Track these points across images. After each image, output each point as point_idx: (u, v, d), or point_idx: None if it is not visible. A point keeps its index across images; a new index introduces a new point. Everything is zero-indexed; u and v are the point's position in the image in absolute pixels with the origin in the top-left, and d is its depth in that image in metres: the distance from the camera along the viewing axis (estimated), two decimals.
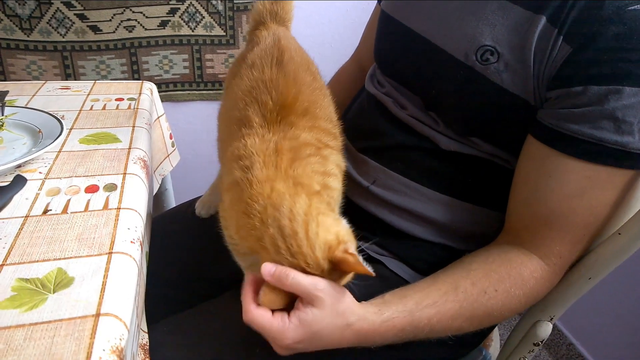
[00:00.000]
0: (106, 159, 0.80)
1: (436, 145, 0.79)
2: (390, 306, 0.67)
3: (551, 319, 0.83)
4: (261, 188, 0.59)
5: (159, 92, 1.81)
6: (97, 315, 0.49)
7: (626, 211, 0.71)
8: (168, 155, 1.26)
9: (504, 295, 0.70)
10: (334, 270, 0.58)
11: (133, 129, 0.92)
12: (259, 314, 0.60)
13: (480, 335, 0.93)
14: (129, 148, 0.84)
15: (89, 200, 0.69)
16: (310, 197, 0.59)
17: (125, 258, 0.58)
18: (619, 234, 0.72)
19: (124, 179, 0.75)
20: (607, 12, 0.62)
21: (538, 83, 0.67)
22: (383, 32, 0.91)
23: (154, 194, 1.14)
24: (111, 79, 1.73)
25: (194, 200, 1.05)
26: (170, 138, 1.28)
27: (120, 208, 0.67)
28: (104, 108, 1.01)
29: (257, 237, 0.59)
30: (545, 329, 0.84)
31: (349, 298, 0.64)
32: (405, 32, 0.82)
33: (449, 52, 0.75)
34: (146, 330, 0.73)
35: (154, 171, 1.17)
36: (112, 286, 0.54)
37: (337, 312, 0.61)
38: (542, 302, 0.84)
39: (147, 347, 0.70)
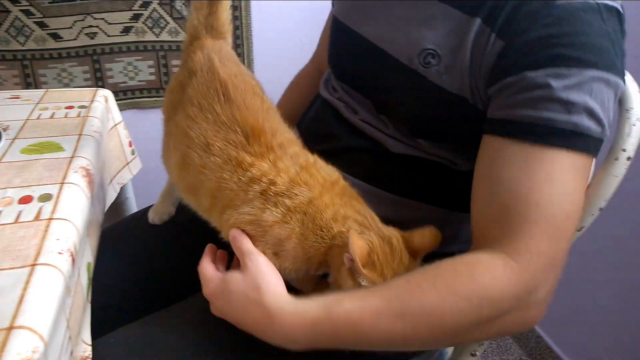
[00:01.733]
0: (46, 169, 0.79)
1: (386, 149, 0.81)
2: (308, 300, 0.63)
3: None
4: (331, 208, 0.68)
5: (125, 99, 1.80)
6: (10, 328, 0.49)
7: None
8: (128, 164, 1.25)
9: (445, 291, 0.60)
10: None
11: (79, 138, 0.91)
12: (206, 262, 0.73)
13: None
14: (72, 157, 0.84)
15: (20, 211, 0.68)
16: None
17: (49, 269, 0.58)
18: None
19: (61, 188, 0.74)
20: (536, 7, 0.64)
21: (476, 81, 0.69)
22: (335, 37, 0.94)
23: (110, 202, 1.13)
24: (74, 87, 1.72)
25: (148, 209, 1.05)
26: (130, 146, 1.27)
27: (52, 219, 0.67)
28: (52, 117, 1.00)
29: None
30: None
31: (276, 280, 0.65)
32: (355, 37, 0.84)
33: (394, 56, 0.77)
34: (89, 342, 0.72)
35: (112, 180, 1.16)
36: (31, 298, 0.53)
37: (255, 285, 0.64)
38: None
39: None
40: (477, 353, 0.89)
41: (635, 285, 1.36)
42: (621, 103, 0.72)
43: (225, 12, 0.84)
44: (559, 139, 0.62)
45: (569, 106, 0.62)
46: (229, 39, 0.86)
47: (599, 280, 1.47)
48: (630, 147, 0.69)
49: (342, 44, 0.90)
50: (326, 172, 0.73)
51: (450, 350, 0.99)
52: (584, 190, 0.65)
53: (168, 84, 0.87)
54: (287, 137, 0.74)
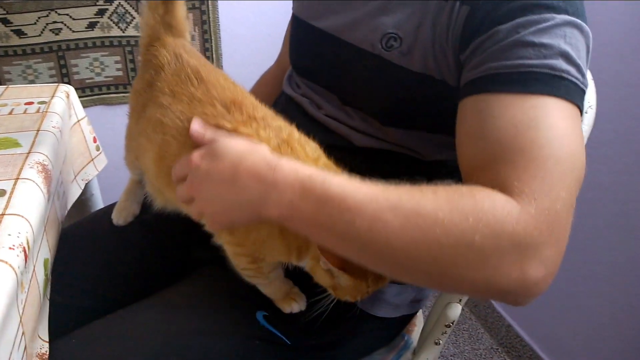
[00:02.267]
0: (1, 165, 0.78)
1: (350, 143, 0.81)
2: (295, 163, 0.60)
3: (460, 301, 0.86)
4: None
5: (92, 95, 1.78)
6: None
7: None
8: (92, 160, 1.24)
9: (444, 200, 0.55)
10: None
11: (37, 133, 0.90)
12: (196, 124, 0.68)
13: (402, 322, 0.95)
14: (29, 152, 0.82)
15: None
16: None
17: (0, 265, 0.57)
18: None
19: (15, 184, 0.73)
20: None
21: (445, 54, 0.68)
22: (294, 34, 0.94)
23: (74, 199, 1.12)
24: (40, 84, 1.69)
25: (111, 206, 1.04)
26: (95, 142, 1.26)
27: (4, 214, 0.66)
28: (10, 113, 0.99)
29: None
30: (455, 311, 0.85)
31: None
32: (315, 32, 0.84)
33: (356, 45, 0.77)
34: (46, 339, 0.71)
35: (76, 176, 1.14)
36: None
37: (246, 144, 0.63)
38: None
39: (47, 357, 0.69)
40: (441, 342, 0.91)
41: (608, 275, 1.39)
42: None
43: (181, 9, 0.83)
44: (538, 84, 0.59)
45: (542, 49, 0.60)
46: (188, 37, 0.85)
47: (570, 269, 1.50)
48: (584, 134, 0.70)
49: (303, 40, 0.91)
50: (310, 148, 0.69)
51: (415, 340, 1.00)
52: (577, 137, 0.59)
53: (132, 86, 0.85)
54: (270, 113, 0.72)
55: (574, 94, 0.60)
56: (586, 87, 0.61)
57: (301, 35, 0.91)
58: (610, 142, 1.27)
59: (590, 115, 0.71)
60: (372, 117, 0.79)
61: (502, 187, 0.56)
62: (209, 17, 1.78)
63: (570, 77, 0.60)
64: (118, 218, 0.96)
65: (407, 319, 0.96)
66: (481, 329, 1.87)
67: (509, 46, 0.61)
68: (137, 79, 0.83)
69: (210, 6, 1.76)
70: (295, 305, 0.78)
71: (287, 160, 0.60)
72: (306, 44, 0.90)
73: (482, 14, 0.63)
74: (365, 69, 0.77)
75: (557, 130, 0.57)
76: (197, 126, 0.68)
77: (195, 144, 0.67)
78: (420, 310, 1.03)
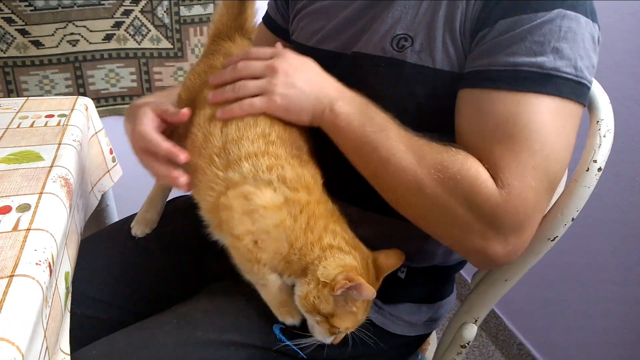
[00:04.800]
0: (25, 179, 0.79)
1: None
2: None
3: (475, 321, 0.86)
4: None
5: (106, 105, 1.80)
6: None
7: None
8: (108, 171, 1.25)
9: (440, 158, 0.67)
10: None
11: (59, 147, 0.91)
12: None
13: (418, 340, 0.95)
14: (51, 166, 0.84)
15: None
16: None
17: (27, 281, 0.58)
18: None
19: (39, 198, 0.74)
20: None
21: (463, 47, 0.71)
22: None
23: (92, 210, 1.13)
24: (55, 94, 1.71)
25: (129, 218, 1.05)
26: (111, 153, 1.27)
27: (30, 229, 0.67)
28: (31, 125, 1.00)
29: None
30: (471, 331, 0.86)
31: None
32: (323, 54, 0.85)
33: (367, 52, 0.79)
34: (68, 352, 0.72)
35: (93, 187, 1.16)
36: (8, 310, 0.53)
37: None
38: (466, 304, 0.86)
39: None
40: None
41: (621, 292, 1.38)
42: (592, 114, 0.74)
43: (253, 12, 0.87)
44: (525, 82, 0.64)
45: (534, 46, 0.64)
46: (252, 38, 0.90)
47: (581, 287, 1.49)
48: (601, 158, 0.71)
49: None
50: (321, 189, 0.74)
51: (429, 359, 1.00)
52: (562, 133, 0.65)
53: (192, 68, 0.89)
54: (299, 144, 0.75)
55: (563, 89, 0.64)
56: (584, 78, 0.65)
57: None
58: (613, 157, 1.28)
59: (608, 139, 0.72)
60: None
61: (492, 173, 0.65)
62: None
63: (559, 74, 0.64)
64: (137, 229, 0.97)
65: (422, 338, 0.96)
66: (492, 347, 1.86)
67: (504, 42, 0.65)
68: (199, 62, 0.88)
69: None
70: (289, 319, 0.78)
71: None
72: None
73: (490, 9, 0.67)
74: (379, 75, 0.78)
75: (535, 125, 0.63)
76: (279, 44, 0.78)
77: None
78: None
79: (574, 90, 0.65)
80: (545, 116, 0.64)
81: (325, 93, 0.72)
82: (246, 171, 0.68)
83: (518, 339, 1.74)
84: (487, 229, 0.65)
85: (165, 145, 0.74)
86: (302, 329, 0.79)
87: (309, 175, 0.71)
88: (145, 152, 0.76)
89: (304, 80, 0.72)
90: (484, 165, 0.65)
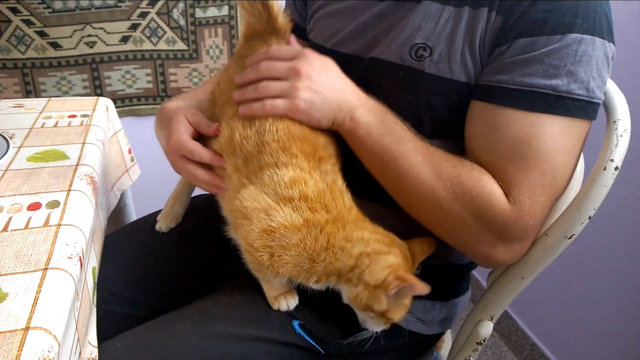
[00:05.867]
0: (52, 177, 0.81)
1: None
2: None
3: (492, 318, 0.87)
4: None
5: (122, 106, 1.83)
6: (27, 328, 0.51)
7: (552, 213, 0.75)
8: (127, 170, 1.27)
9: (457, 173, 0.70)
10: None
11: (83, 146, 0.94)
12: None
13: (433, 338, 0.96)
14: (77, 165, 0.86)
15: (30, 217, 0.70)
16: None
17: (60, 273, 0.60)
18: (546, 234, 0.75)
19: (67, 195, 0.76)
20: None
21: (481, 59, 0.73)
22: None
23: (112, 209, 1.15)
24: (73, 95, 1.74)
25: (151, 215, 1.07)
26: (130, 153, 1.30)
27: (60, 225, 0.69)
28: (55, 125, 1.02)
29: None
30: (487, 328, 0.87)
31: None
32: (341, 57, 0.86)
33: (385, 59, 0.80)
34: (95, 344, 0.74)
35: (113, 186, 1.18)
36: (44, 301, 0.55)
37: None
38: (482, 302, 0.87)
39: None
40: (472, 359, 0.92)
41: (635, 293, 1.39)
42: (609, 114, 0.75)
43: (283, 17, 0.85)
44: (540, 104, 0.67)
45: (550, 69, 0.67)
46: (287, 38, 0.87)
47: (595, 288, 1.50)
48: (617, 157, 0.72)
49: None
50: (346, 197, 0.74)
51: (444, 356, 1.02)
52: (571, 152, 0.69)
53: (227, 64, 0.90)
54: (328, 152, 0.76)
55: (574, 110, 0.68)
56: (596, 97, 0.69)
57: None
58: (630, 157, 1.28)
59: (625, 138, 0.73)
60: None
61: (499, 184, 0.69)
62: (237, 33, 1.82)
63: (572, 96, 0.67)
64: (162, 224, 0.99)
65: (436, 337, 0.97)
66: (504, 347, 1.86)
67: (522, 62, 0.68)
68: (233, 59, 0.88)
69: (239, 21, 1.80)
70: (283, 304, 0.80)
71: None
72: None
73: (510, 26, 0.69)
74: (394, 82, 0.79)
75: (547, 146, 0.68)
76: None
77: None
78: None
79: (585, 110, 0.68)
80: (557, 139, 0.68)
81: (346, 100, 0.73)
82: (267, 180, 0.70)
83: (531, 340, 1.75)
84: (496, 239, 0.71)
85: (208, 154, 0.78)
86: (322, 326, 0.81)
87: (329, 192, 0.71)
88: (184, 159, 0.79)
89: (326, 86, 0.73)
90: (497, 181, 0.69)
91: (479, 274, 1.99)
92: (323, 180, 0.71)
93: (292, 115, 0.73)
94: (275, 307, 0.81)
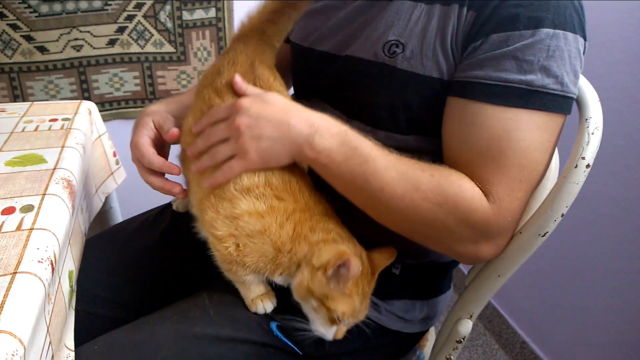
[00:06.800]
0: (28, 181, 0.81)
1: None
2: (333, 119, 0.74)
3: (471, 317, 0.87)
4: None
5: (110, 109, 1.83)
6: None
7: (527, 211, 0.75)
8: (112, 173, 1.27)
9: (436, 182, 0.70)
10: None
11: (62, 150, 0.94)
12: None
13: (415, 337, 0.97)
14: (54, 169, 0.86)
15: (3, 222, 0.70)
16: None
17: (29, 277, 0.60)
18: (520, 232, 0.75)
19: (42, 199, 0.76)
20: None
21: (454, 55, 0.73)
22: (296, 61, 0.98)
23: (96, 212, 1.15)
24: (60, 99, 1.74)
25: (133, 218, 1.07)
26: (115, 156, 1.30)
27: (32, 229, 0.69)
28: (36, 129, 1.02)
29: None
30: (466, 327, 0.87)
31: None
32: (317, 56, 0.88)
33: (360, 56, 0.81)
34: (72, 348, 0.74)
35: (97, 190, 1.18)
36: (11, 305, 0.55)
37: (288, 102, 0.75)
38: (461, 301, 0.88)
39: None
40: (452, 357, 0.92)
41: (623, 290, 1.39)
42: (580, 112, 0.75)
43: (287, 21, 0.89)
44: (516, 99, 0.68)
45: (524, 65, 0.67)
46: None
47: (584, 286, 1.50)
48: (589, 155, 0.72)
49: (304, 66, 0.95)
50: (312, 191, 0.76)
51: (427, 355, 1.02)
52: (547, 147, 0.70)
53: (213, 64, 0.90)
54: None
55: (550, 104, 0.68)
56: (570, 92, 0.70)
57: (302, 59, 0.95)
58: (614, 155, 1.29)
59: (597, 136, 0.73)
60: (377, 128, 0.81)
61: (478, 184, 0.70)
62: (225, 34, 1.82)
63: (546, 90, 0.68)
64: (179, 203, 1.00)
65: (419, 336, 0.97)
66: (495, 345, 1.87)
67: (496, 58, 0.69)
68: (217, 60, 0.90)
69: (226, 23, 1.80)
70: (260, 306, 0.81)
71: (326, 118, 0.73)
72: (308, 68, 0.93)
73: (483, 22, 0.70)
74: (369, 79, 0.80)
75: (525, 142, 0.68)
76: (239, 79, 0.77)
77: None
78: None
79: (560, 104, 0.69)
80: (534, 134, 0.69)
81: (297, 132, 0.71)
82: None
83: (521, 338, 1.75)
84: (479, 237, 0.72)
85: (158, 160, 0.80)
86: (300, 327, 0.81)
87: (295, 181, 0.74)
88: (138, 163, 0.82)
89: (269, 127, 0.72)
90: (474, 180, 0.70)
91: (465, 267, 2.00)
92: (289, 172, 0.73)
93: (251, 168, 0.73)
94: (253, 309, 0.81)
